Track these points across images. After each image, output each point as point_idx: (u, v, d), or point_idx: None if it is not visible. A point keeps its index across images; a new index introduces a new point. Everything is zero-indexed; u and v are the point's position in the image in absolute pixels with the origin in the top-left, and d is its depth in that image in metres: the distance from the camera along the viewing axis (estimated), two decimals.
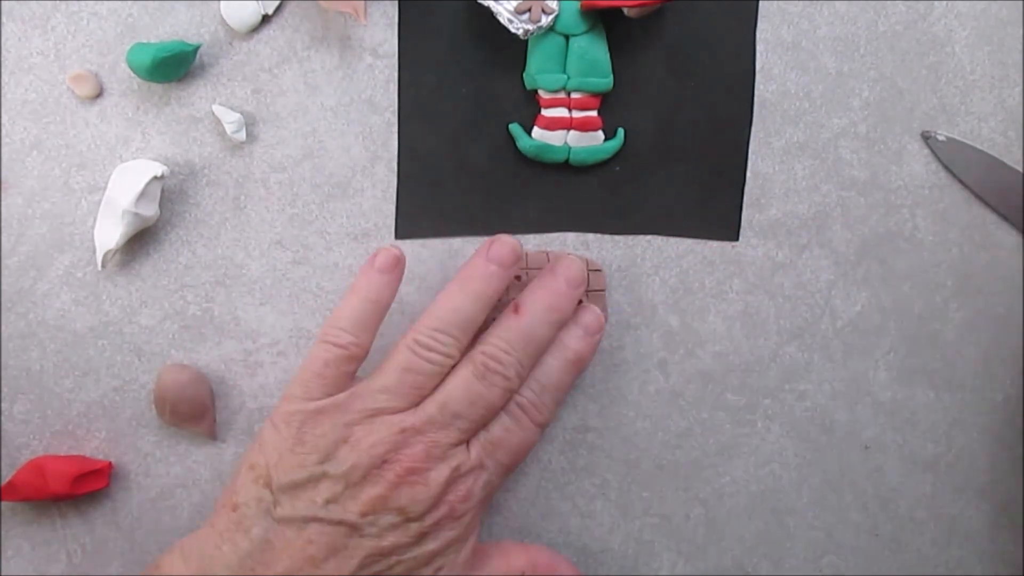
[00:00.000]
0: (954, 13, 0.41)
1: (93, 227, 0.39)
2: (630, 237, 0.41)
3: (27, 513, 0.41)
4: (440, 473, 0.36)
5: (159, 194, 0.39)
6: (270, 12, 0.39)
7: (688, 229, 0.41)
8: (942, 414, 0.42)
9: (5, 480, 0.40)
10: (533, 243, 0.41)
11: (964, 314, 0.42)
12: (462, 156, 0.40)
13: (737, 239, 0.41)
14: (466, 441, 0.37)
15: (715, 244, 0.41)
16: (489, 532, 0.42)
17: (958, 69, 0.41)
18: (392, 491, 0.35)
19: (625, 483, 0.42)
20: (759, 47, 0.41)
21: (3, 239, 0.40)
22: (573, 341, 0.39)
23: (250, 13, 0.39)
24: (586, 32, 0.39)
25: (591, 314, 0.40)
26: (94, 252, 0.40)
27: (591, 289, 0.41)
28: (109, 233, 0.39)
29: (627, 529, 0.42)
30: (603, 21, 0.39)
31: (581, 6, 0.39)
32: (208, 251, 0.40)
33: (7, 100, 0.39)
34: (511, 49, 0.40)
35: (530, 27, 0.38)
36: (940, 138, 0.40)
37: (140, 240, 0.40)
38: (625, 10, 0.38)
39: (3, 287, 0.40)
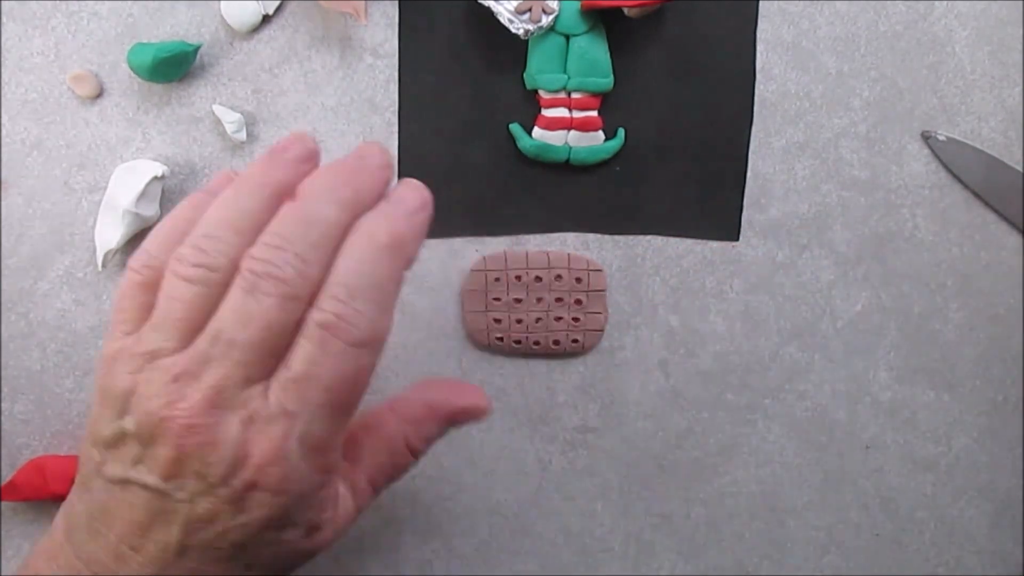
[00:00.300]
0: (954, 13, 0.41)
1: (93, 227, 0.39)
2: (630, 237, 0.41)
3: (27, 513, 0.41)
4: (229, 427, 0.29)
5: (159, 194, 0.39)
6: (270, 12, 0.39)
7: (688, 229, 0.41)
8: (942, 414, 0.42)
9: (5, 480, 0.40)
10: (534, 243, 0.41)
11: (964, 314, 0.42)
12: (462, 156, 0.40)
13: (737, 239, 0.41)
14: (261, 381, 0.29)
15: (715, 244, 0.41)
16: (489, 532, 0.42)
17: (958, 69, 0.41)
18: (180, 454, 0.29)
19: (625, 483, 0.42)
20: (759, 47, 0.41)
21: (3, 239, 0.40)
22: (382, 221, 0.30)
23: (250, 13, 0.39)
24: (586, 32, 0.39)
25: (408, 186, 0.31)
26: (94, 252, 0.40)
27: (592, 289, 0.41)
28: (109, 233, 0.39)
29: (627, 529, 0.42)
30: (603, 21, 0.39)
31: (581, 6, 0.39)
32: None
33: (7, 100, 0.39)
34: (511, 49, 0.39)
35: (530, 27, 0.38)
36: (940, 138, 0.40)
37: (140, 240, 0.40)
38: (625, 10, 0.38)
39: (3, 287, 0.40)
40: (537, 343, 0.41)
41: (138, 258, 0.31)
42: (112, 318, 0.31)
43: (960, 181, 0.41)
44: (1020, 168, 0.41)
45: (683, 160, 0.41)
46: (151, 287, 0.30)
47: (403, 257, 0.30)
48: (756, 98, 0.41)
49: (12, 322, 0.40)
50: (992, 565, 0.43)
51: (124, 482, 0.30)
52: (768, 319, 0.42)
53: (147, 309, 0.30)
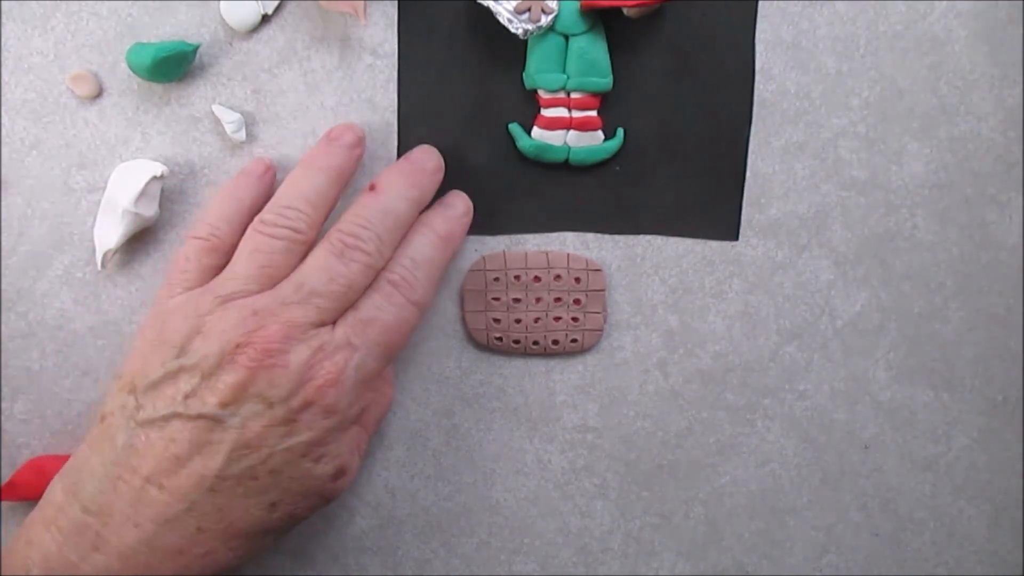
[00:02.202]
0: (954, 13, 0.41)
1: (93, 227, 0.39)
2: (630, 237, 0.41)
3: (27, 513, 0.41)
4: (299, 354, 0.34)
5: (159, 194, 0.39)
6: (270, 12, 0.39)
7: (688, 229, 0.41)
8: (942, 414, 0.42)
9: (5, 480, 0.40)
10: (533, 243, 0.41)
11: (964, 314, 0.42)
12: (462, 156, 0.40)
13: (737, 239, 0.41)
14: (331, 323, 0.35)
15: (715, 244, 0.41)
16: (490, 531, 0.42)
17: (958, 69, 0.41)
18: (249, 377, 0.33)
19: (625, 483, 0.42)
20: (759, 47, 0.41)
21: (3, 239, 0.40)
22: (439, 220, 0.38)
23: (250, 13, 0.39)
24: (586, 32, 0.39)
25: (456, 195, 0.39)
26: (94, 252, 0.40)
27: (591, 289, 0.41)
28: (109, 233, 0.39)
29: (627, 529, 0.42)
30: (603, 21, 0.39)
31: (581, 6, 0.38)
32: None
33: (7, 100, 0.39)
34: (511, 49, 0.39)
35: (530, 27, 0.38)
36: None
37: (140, 240, 0.40)
38: (625, 10, 0.38)
39: (3, 287, 0.40)
40: (536, 343, 0.41)
41: (201, 228, 0.37)
42: (170, 279, 0.36)
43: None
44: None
45: (682, 160, 0.41)
46: (214, 252, 0.36)
47: (451, 248, 0.38)
48: (756, 98, 0.41)
49: (12, 322, 0.40)
50: (992, 565, 0.43)
51: (165, 419, 0.34)
52: (767, 319, 0.42)
53: (210, 270, 0.36)
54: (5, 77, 0.39)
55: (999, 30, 0.41)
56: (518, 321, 0.41)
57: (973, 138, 0.41)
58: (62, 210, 0.40)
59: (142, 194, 0.38)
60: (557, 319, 0.41)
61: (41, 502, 0.35)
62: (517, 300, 0.41)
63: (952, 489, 0.43)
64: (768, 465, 0.42)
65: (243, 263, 0.35)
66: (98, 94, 0.39)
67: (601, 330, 0.41)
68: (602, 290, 0.41)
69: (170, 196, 0.40)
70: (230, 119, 0.39)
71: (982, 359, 0.42)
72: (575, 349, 0.41)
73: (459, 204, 0.39)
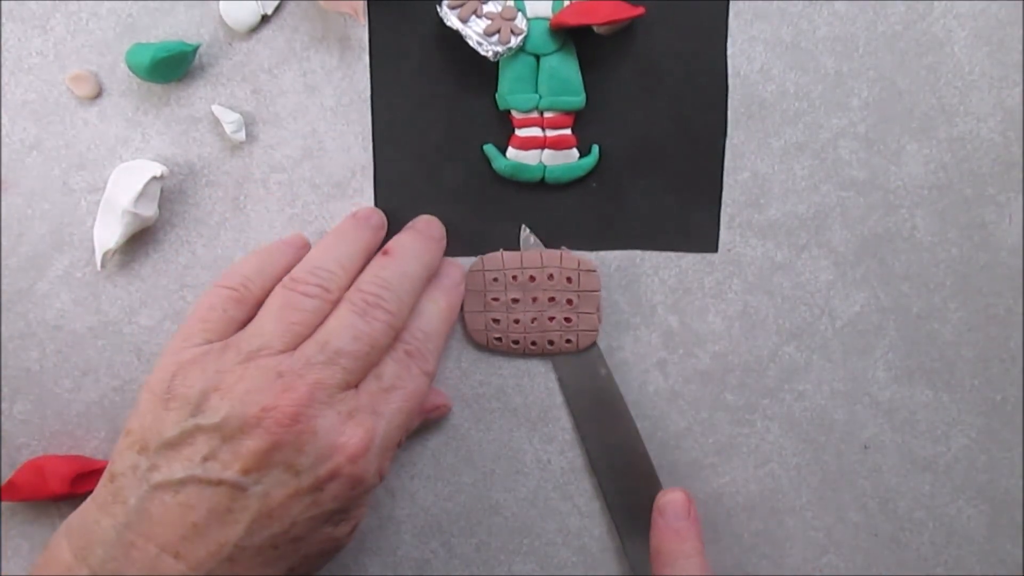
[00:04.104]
0: (953, 13, 0.41)
1: (93, 227, 0.39)
2: None
3: (27, 513, 0.41)
4: (327, 419, 0.33)
5: (159, 194, 0.39)
6: (269, 12, 0.39)
7: (667, 243, 0.41)
8: (941, 414, 0.42)
9: (5, 480, 0.40)
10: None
11: (963, 314, 0.42)
12: (438, 179, 0.40)
13: (716, 251, 0.41)
14: (351, 388, 0.34)
15: None
16: (489, 532, 0.42)
17: (957, 69, 0.41)
18: (274, 443, 0.32)
19: None
20: (759, 47, 0.41)
21: (3, 239, 0.40)
22: (441, 293, 0.39)
23: (249, 13, 0.39)
24: (556, 51, 0.39)
25: (452, 266, 0.40)
26: (94, 252, 0.40)
27: (583, 290, 0.41)
28: (109, 233, 0.39)
29: None
30: (573, 39, 0.39)
31: (550, 25, 0.38)
32: (208, 251, 0.40)
33: (7, 100, 0.39)
34: (483, 70, 0.39)
35: (499, 49, 0.38)
36: None
37: (140, 240, 0.40)
38: (595, 27, 0.38)
39: (3, 287, 0.40)
40: (534, 343, 0.41)
41: (232, 277, 0.36)
42: (188, 328, 0.35)
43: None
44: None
45: (659, 174, 0.41)
46: (241, 304, 0.35)
47: (453, 318, 0.39)
48: (755, 98, 0.41)
49: (11, 322, 0.40)
50: (991, 565, 0.43)
51: (181, 483, 0.32)
52: (767, 319, 0.42)
53: (234, 323, 0.35)
54: (5, 77, 0.39)
55: (999, 30, 0.41)
56: (517, 321, 0.41)
57: (973, 138, 0.41)
58: (62, 210, 0.40)
59: (142, 194, 0.38)
60: (551, 319, 0.41)
61: (46, 559, 0.34)
62: (515, 300, 0.41)
63: (952, 489, 0.43)
64: (767, 465, 0.42)
65: (272, 319, 0.34)
66: (98, 94, 0.39)
67: (596, 331, 0.41)
68: (596, 291, 0.41)
69: (170, 196, 0.40)
70: (230, 119, 0.39)
71: (982, 359, 0.42)
72: (570, 350, 0.41)
73: (455, 273, 0.40)
